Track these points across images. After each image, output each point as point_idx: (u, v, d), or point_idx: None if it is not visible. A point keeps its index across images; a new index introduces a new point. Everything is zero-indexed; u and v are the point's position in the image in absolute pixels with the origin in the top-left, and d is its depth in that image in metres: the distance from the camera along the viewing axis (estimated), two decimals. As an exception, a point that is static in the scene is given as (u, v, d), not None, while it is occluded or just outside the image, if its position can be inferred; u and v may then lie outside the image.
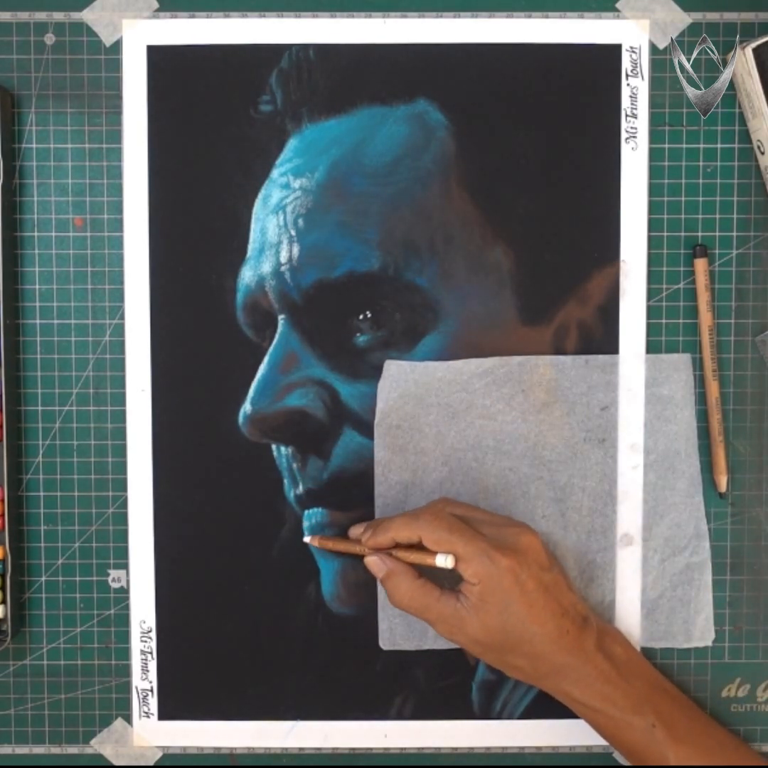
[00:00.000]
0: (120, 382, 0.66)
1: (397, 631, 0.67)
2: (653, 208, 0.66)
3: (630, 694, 0.60)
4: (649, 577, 0.67)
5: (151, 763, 0.68)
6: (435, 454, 0.66)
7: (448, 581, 0.62)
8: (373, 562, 0.62)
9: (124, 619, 0.67)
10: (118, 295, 0.66)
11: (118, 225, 0.66)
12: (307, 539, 0.66)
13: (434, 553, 0.59)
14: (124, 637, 0.67)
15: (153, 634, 0.67)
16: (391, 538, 0.61)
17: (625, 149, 0.65)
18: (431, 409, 0.66)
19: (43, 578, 0.67)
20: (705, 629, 0.67)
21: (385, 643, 0.67)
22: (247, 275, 0.66)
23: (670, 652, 0.67)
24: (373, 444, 0.66)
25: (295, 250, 0.65)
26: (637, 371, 0.66)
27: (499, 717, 0.67)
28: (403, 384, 0.66)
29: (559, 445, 0.66)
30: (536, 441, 0.66)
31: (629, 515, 0.66)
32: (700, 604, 0.67)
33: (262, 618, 0.67)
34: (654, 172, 0.66)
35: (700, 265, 0.65)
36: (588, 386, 0.66)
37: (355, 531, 0.65)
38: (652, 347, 0.66)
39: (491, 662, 0.62)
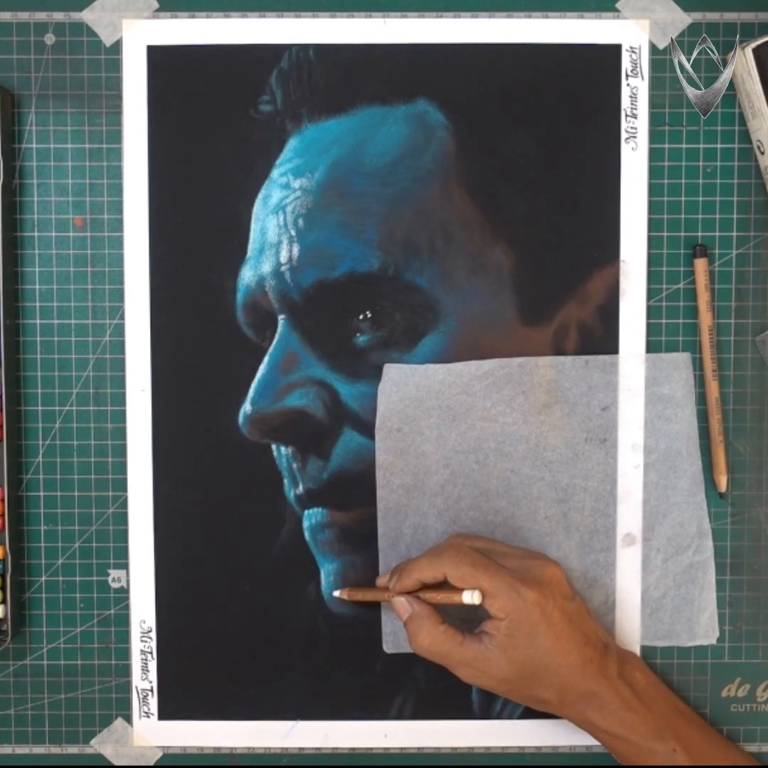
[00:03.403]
0: (120, 382, 0.66)
1: (401, 634, 0.67)
2: (653, 208, 0.66)
3: (650, 720, 0.61)
4: (652, 576, 0.67)
5: (151, 763, 0.68)
6: (436, 456, 0.66)
7: (468, 623, 0.62)
8: (398, 603, 0.61)
9: (124, 619, 0.67)
10: (118, 295, 0.66)
11: (118, 225, 0.66)
12: (336, 593, 0.66)
13: (460, 590, 0.59)
14: (124, 637, 0.67)
15: (153, 634, 0.67)
16: (417, 580, 0.61)
17: (625, 149, 0.65)
18: (432, 412, 0.66)
19: (43, 578, 0.67)
20: (709, 627, 0.67)
21: (389, 646, 0.67)
22: (247, 275, 0.66)
23: (670, 651, 0.67)
24: (374, 446, 0.66)
25: (295, 250, 0.65)
26: (638, 371, 0.66)
27: (499, 717, 0.67)
28: (404, 387, 0.65)
29: (560, 445, 0.66)
30: (537, 442, 0.66)
31: (631, 515, 0.66)
32: (704, 602, 0.67)
33: (262, 618, 0.67)
34: (654, 172, 0.66)
35: (700, 265, 0.65)
36: (588, 386, 0.66)
37: (382, 579, 0.64)
38: (652, 347, 0.66)
39: (518, 699, 0.62)
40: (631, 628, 0.67)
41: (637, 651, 0.67)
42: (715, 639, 0.67)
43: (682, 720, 0.62)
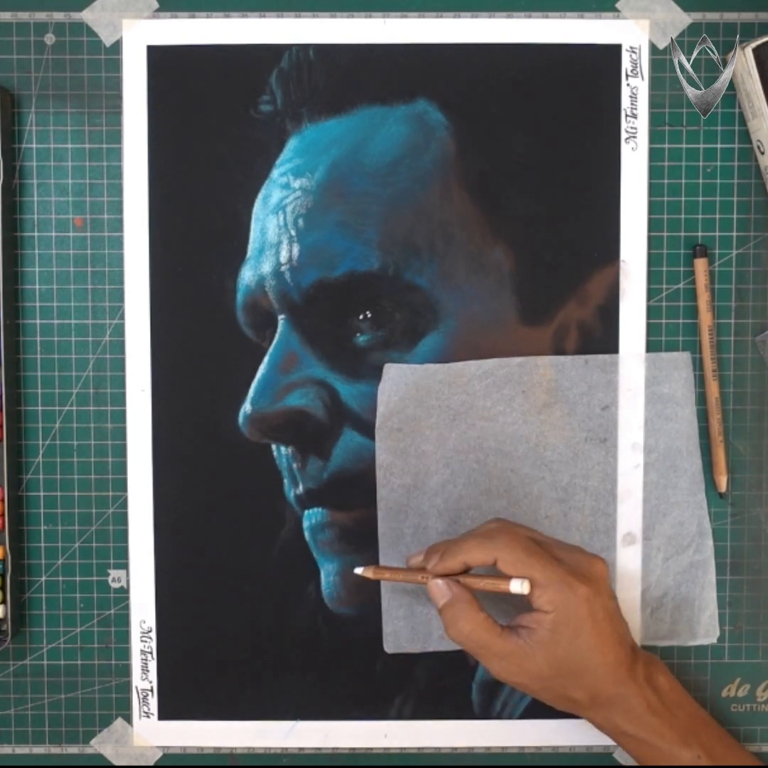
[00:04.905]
0: (120, 382, 0.66)
1: (402, 634, 0.67)
2: (653, 208, 0.66)
3: (675, 726, 0.59)
4: (652, 575, 0.67)
5: (151, 763, 0.68)
6: (436, 456, 0.66)
7: (499, 615, 0.59)
8: (435, 586, 0.58)
9: (124, 619, 0.67)
10: (118, 295, 0.66)
11: (118, 225, 0.66)
12: (359, 571, 0.63)
13: (508, 578, 0.56)
14: (124, 637, 0.67)
15: (153, 634, 0.67)
16: (462, 562, 0.58)
17: (625, 149, 0.65)
18: (432, 412, 0.66)
19: (43, 578, 0.67)
20: (710, 626, 0.67)
21: (390, 646, 0.67)
22: (247, 275, 0.66)
23: (670, 651, 0.67)
24: (374, 446, 0.66)
25: (295, 250, 0.65)
26: (637, 370, 0.66)
27: (499, 717, 0.67)
28: (404, 387, 0.65)
29: (560, 445, 0.66)
30: (537, 442, 0.66)
31: (631, 514, 0.66)
32: (705, 601, 0.67)
33: (262, 618, 0.67)
34: (654, 172, 0.66)
35: (700, 265, 0.65)
36: (588, 386, 0.66)
37: (415, 559, 0.61)
38: (652, 347, 0.66)
39: (548, 699, 0.59)
40: (632, 627, 0.66)
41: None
42: (716, 638, 0.67)
43: (704, 727, 0.61)
